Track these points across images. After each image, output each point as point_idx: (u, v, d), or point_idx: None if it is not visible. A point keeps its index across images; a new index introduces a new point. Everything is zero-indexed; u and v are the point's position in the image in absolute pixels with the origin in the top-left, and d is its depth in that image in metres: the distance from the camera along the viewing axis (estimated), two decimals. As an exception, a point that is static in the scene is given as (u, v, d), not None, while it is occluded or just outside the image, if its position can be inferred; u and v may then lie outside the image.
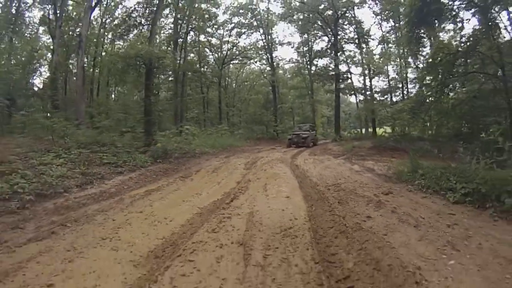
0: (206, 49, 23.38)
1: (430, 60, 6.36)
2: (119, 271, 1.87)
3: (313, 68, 24.57)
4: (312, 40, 23.88)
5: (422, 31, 6.43)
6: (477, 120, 6.59)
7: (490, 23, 6.20)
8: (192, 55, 21.40)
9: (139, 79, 9.40)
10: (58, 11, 12.59)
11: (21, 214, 3.15)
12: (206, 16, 15.97)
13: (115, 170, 5.35)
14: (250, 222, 2.77)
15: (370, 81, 18.45)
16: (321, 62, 23.56)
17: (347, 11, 19.73)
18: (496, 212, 2.89)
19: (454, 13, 6.41)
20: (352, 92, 20.27)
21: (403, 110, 8.80)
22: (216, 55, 24.15)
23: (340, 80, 19.81)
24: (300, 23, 22.13)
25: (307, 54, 25.12)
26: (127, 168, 5.61)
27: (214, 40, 23.57)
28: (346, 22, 20.38)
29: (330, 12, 19.56)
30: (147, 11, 9.89)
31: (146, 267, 1.94)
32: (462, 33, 6.44)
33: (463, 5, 6.42)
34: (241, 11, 22.21)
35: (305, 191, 4.07)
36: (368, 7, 18.92)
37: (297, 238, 2.39)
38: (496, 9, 6.21)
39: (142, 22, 10.35)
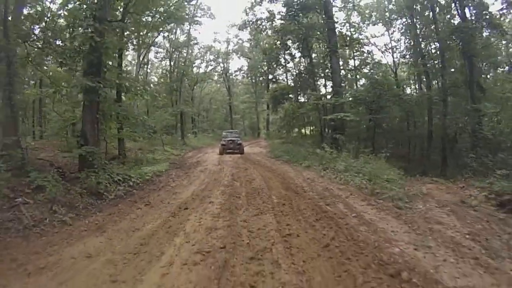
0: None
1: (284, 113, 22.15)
2: (215, 156, 16.61)
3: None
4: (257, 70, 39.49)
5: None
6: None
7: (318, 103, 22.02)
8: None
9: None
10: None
11: (187, 156, 17.62)
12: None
13: (186, 152, 19.83)
14: (232, 157, 17.78)
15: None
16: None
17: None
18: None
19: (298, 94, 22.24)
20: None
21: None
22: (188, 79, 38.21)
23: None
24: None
25: (253, 79, 40.79)
26: (188, 151, 20.13)
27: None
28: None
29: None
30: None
31: (218, 158, 16.71)
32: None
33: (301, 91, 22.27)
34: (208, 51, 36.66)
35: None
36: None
37: (237, 157, 17.45)
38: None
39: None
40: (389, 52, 21.45)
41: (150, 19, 12.68)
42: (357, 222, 4.36)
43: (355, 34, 21.29)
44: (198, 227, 4.33)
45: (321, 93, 19.79)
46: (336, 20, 18.10)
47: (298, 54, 21.16)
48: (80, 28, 7.24)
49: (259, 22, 21.28)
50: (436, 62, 18.85)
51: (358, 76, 23.27)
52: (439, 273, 2.89)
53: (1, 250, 3.72)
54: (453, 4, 16.37)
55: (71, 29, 7.69)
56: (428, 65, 18.70)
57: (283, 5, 17.65)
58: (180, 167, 12.51)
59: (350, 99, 14.47)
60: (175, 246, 3.66)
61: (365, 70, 22.74)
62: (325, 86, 23.72)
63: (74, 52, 7.32)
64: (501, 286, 2.77)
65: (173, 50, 29.65)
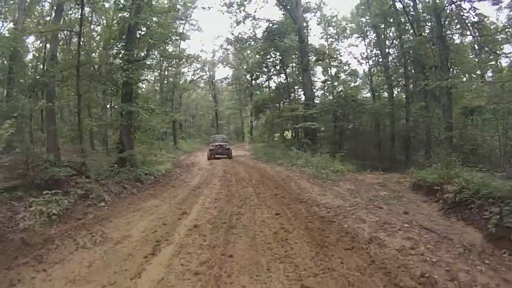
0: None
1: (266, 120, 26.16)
2: (206, 159, 20.31)
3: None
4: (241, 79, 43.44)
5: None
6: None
7: (291, 114, 26.16)
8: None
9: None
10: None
11: (181, 159, 21.22)
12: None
13: (180, 155, 23.42)
14: (221, 159, 21.52)
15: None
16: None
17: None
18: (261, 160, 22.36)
19: (280, 102, 26.29)
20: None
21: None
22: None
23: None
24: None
25: (237, 87, 44.65)
26: (181, 154, 23.73)
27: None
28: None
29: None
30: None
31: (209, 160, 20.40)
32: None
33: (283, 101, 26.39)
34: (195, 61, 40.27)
35: (228, 155, 23.01)
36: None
37: (225, 159, 21.22)
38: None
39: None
40: (365, 61, 25.36)
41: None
42: (296, 188, 8.35)
43: (332, 44, 25.82)
44: (211, 193, 8.18)
45: (298, 103, 23.90)
46: (311, 39, 22.57)
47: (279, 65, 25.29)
48: (119, 69, 10.86)
49: (243, 41, 25.25)
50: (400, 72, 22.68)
51: (336, 84, 27.42)
52: (321, 200, 6.88)
53: (112, 202, 7.39)
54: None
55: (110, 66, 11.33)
56: (393, 76, 22.67)
57: (263, 32, 21.74)
58: (180, 167, 16.19)
59: (317, 111, 18.53)
60: (202, 198, 7.51)
61: (343, 77, 26.92)
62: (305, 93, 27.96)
63: (115, 84, 10.97)
64: (345, 204, 6.73)
65: (163, 60, 33.16)
